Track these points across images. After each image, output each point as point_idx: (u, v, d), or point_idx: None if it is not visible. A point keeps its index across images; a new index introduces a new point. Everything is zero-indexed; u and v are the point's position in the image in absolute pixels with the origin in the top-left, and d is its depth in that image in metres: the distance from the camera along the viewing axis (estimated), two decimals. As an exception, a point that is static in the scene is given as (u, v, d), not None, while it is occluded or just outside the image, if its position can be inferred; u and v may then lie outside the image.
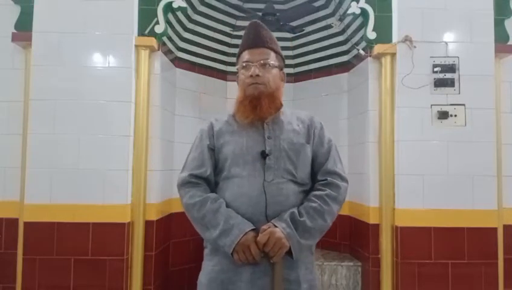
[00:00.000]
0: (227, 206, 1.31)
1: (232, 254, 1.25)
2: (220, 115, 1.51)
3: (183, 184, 1.39)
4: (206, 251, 1.39)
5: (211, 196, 1.33)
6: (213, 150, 1.41)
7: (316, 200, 1.32)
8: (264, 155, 1.33)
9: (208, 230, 1.31)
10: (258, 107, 1.35)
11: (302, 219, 1.27)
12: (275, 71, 1.42)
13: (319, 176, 1.39)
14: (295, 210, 1.29)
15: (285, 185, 1.32)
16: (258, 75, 1.36)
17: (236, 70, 1.48)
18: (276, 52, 1.44)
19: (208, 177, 1.39)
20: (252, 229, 1.25)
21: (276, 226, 1.24)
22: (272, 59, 1.41)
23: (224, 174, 1.37)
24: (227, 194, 1.34)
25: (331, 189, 1.35)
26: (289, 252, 1.25)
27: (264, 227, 1.25)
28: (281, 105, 1.44)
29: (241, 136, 1.38)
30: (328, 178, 1.37)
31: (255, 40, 1.42)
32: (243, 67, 1.41)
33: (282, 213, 1.28)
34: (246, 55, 1.42)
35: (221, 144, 1.39)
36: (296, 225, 1.26)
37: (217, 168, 1.41)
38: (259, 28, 1.44)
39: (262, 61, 1.38)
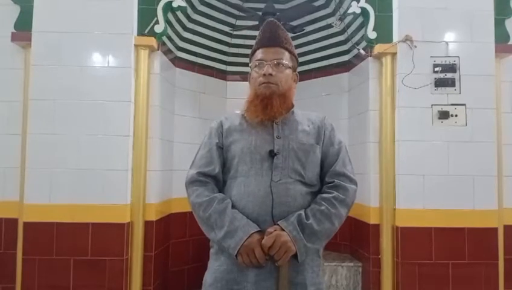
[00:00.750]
0: (234, 205, 1.30)
1: (236, 256, 1.23)
2: (230, 113, 1.49)
3: (191, 182, 1.38)
4: (212, 251, 1.38)
5: (218, 196, 1.31)
6: (222, 149, 1.39)
7: (323, 203, 1.29)
8: (272, 154, 1.31)
9: (213, 230, 1.29)
10: (269, 107, 1.33)
11: (308, 222, 1.24)
12: (288, 71, 1.40)
13: (327, 178, 1.36)
14: (302, 212, 1.27)
15: (293, 186, 1.30)
16: (270, 74, 1.34)
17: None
18: (290, 52, 1.42)
19: (216, 176, 1.37)
20: (257, 231, 1.23)
21: (282, 229, 1.22)
22: (286, 59, 1.39)
23: (231, 172, 1.36)
24: (233, 193, 1.32)
25: (339, 191, 1.31)
26: (295, 255, 1.23)
27: (270, 230, 1.22)
28: (292, 105, 1.43)
29: (250, 135, 1.36)
30: (336, 180, 1.34)
31: (270, 39, 1.40)
32: (256, 65, 1.39)
33: (288, 215, 1.26)
34: (260, 54, 1.40)
35: (230, 142, 1.38)
36: (303, 228, 1.23)
37: (225, 166, 1.39)
38: (276, 27, 1.43)
39: (276, 61, 1.36)
